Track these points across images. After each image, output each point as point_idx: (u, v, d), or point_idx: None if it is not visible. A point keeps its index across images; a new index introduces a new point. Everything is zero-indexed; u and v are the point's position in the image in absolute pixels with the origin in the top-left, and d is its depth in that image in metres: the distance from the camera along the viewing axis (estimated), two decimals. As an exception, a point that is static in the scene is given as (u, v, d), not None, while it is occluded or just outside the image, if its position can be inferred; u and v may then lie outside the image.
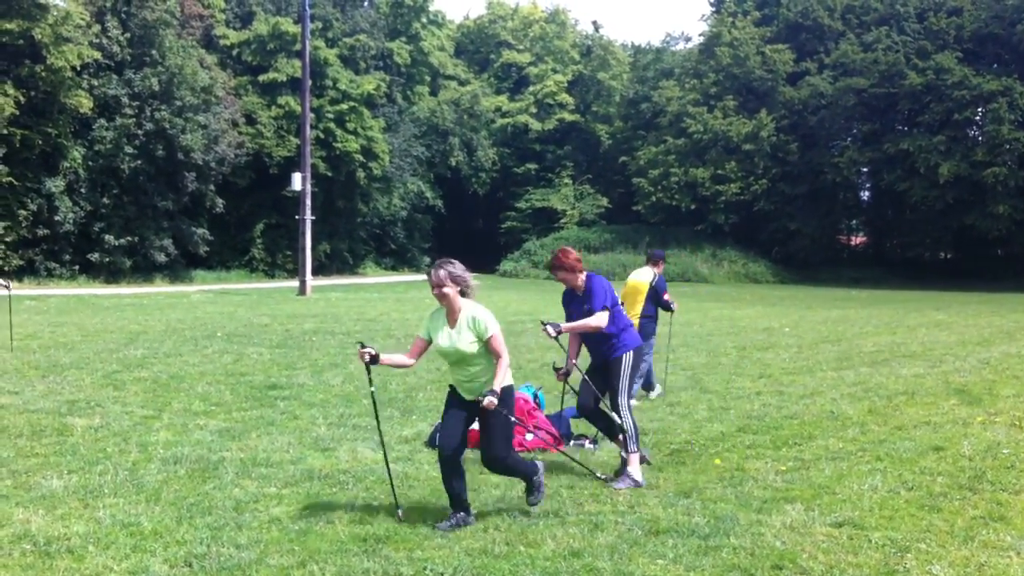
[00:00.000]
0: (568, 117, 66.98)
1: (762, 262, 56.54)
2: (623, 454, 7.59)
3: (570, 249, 7.78)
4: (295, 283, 38.89)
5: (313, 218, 37.58)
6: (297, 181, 36.33)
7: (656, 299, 11.60)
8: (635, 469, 7.44)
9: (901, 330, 22.11)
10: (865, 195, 62.43)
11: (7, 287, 16.24)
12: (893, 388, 12.55)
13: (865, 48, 54.83)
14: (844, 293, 42.11)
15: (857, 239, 65.72)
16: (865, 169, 57.52)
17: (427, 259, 64.31)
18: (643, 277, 11.70)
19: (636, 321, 10.90)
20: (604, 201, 64.48)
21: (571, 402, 9.75)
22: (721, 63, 57.56)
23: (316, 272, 42.72)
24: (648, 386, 11.75)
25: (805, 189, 55.24)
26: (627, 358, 7.69)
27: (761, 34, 58.11)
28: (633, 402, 8.67)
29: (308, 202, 36.20)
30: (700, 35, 62.89)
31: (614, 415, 7.71)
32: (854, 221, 63.96)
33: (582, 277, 7.68)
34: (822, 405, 11.10)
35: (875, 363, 15.45)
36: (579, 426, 9.27)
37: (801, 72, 57.07)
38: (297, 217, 37.46)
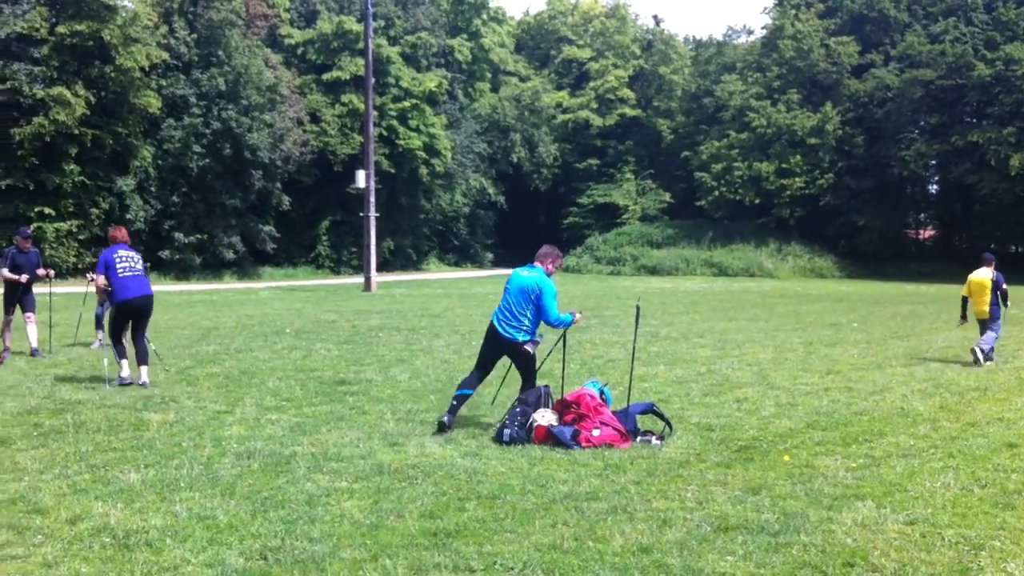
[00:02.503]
0: (629, 112, 66.72)
1: (828, 256, 55.82)
2: None
3: None
4: (360, 279, 39.27)
5: (377, 215, 37.90)
6: (361, 178, 36.67)
7: (997, 289, 15.07)
8: None
9: (971, 326, 21.67)
10: (933, 188, 61.35)
11: (94, 279, 16.45)
12: (964, 384, 12.35)
13: (932, 39, 53.85)
14: (913, 288, 41.43)
15: (925, 233, 64.61)
16: (933, 162, 56.48)
17: (490, 255, 64.50)
18: (984, 275, 15.31)
19: (985, 309, 15.06)
20: (666, 196, 64.13)
21: (637, 398, 9.76)
22: (784, 56, 56.91)
23: (380, 268, 43.09)
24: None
25: (872, 183, 54.40)
26: None
27: (825, 26, 57.34)
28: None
29: (372, 199, 36.51)
30: (763, 28, 62.33)
31: None
32: (922, 215, 62.89)
33: None
34: (892, 401, 10.96)
35: (946, 359, 15.22)
36: (645, 422, 9.26)
37: (866, 64, 56.22)
38: (361, 214, 37.81)
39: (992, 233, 53.58)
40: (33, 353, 14.42)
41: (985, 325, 15.21)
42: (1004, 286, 15.19)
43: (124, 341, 12.01)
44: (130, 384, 11.61)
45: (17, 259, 14.38)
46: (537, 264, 9.32)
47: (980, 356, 14.53)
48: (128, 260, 11.84)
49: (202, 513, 6.38)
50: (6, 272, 14.18)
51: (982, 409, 10.52)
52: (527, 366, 9.32)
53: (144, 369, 11.78)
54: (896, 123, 54.48)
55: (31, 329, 14.70)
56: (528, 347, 9.16)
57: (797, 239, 56.84)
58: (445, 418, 9.07)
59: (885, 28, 57.13)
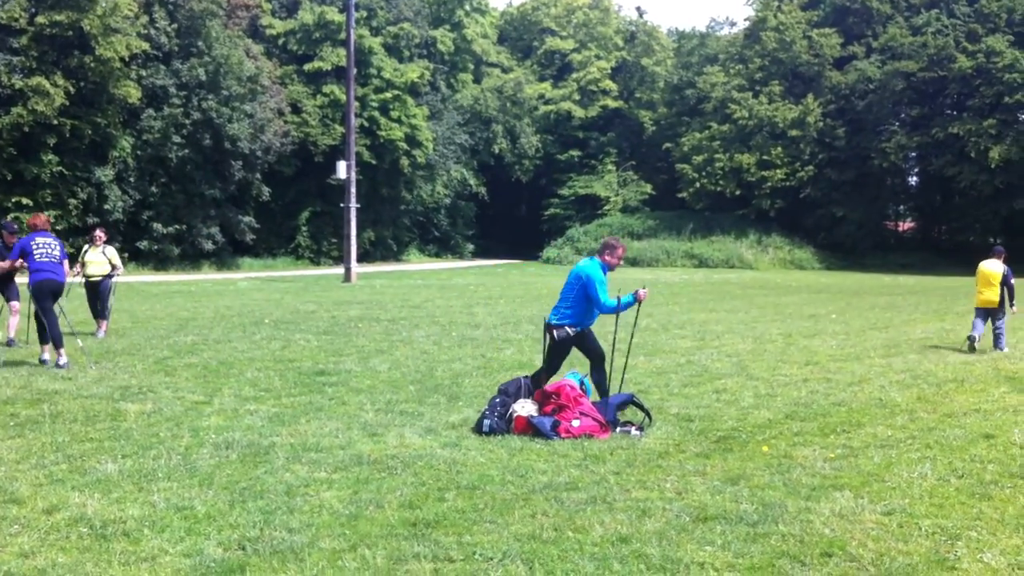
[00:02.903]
0: (611, 104, 66.72)
1: (808, 248, 56.04)
2: None
3: None
4: (340, 270, 39.20)
5: (358, 206, 37.78)
6: (342, 169, 36.55)
7: (1005, 284, 15.39)
8: None
9: (950, 317, 21.87)
10: (913, 180, 61.69)
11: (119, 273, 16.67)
12: (942, 375, 12.43)
13: (914, 31, 54.14)
14: (891, 279, 41.66)
15: (905, 225, 64.98)
16: (913, 154, 56.84)
17: (471, 246, 64.47)
18: (994, 267, 15.50)
19: (995, 299, 15.40)
20: (648, 188, 64.19)
21: (615, 389, 9.78)
22: (767, 48, 57.06)
23: (361, 259, 42.96)
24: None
25: (852, 175, 54.66)
26: None
27: (807, 18, 57.52)
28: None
29: (353, 190, 36.40)
30: (745, 20, 62.44)
31: None
32: (902, 207, 63.26)
33: None
34: (870, 392, 11.02)
35: (924, 350, 15.31)
36: (625, 413, 9.29)
37: (848, 56, 56.45)
38: (342, 205, 37.73)
39: (972, 225, 53.94)
40: (9, 343, 14.35)
41: (988, 314, 15.64)
42: (1012, 281, 15.53)
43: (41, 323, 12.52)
44: (51, 364, 12.38)
45: (2, 253, 14.39)
46: (596, 256, 9.46)
47: (975, 343, 15.11)
48: (45, 247, 12.51)
49: (180, 503, 6.35)
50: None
51: (959, 400, 10.59)
52: (568, 350, 9.60)
53: (61, 351, 12.38)
54: (877, 115, 54.71)
55: (15, 320, 14.66)
56: (563, 331, 9.34)
57: (777, 230, 57.04)
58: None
59: (867, 20, 57.36)
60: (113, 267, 16.35)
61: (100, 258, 16.28)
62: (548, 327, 9.47)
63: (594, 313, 9.41)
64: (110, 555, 5.39)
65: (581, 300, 9.28)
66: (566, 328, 9.32)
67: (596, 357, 9.44)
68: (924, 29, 53.45)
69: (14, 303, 14.72)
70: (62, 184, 37.54)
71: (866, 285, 36.92)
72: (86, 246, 16.60)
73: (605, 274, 9.31)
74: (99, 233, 16.61)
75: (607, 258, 9.38)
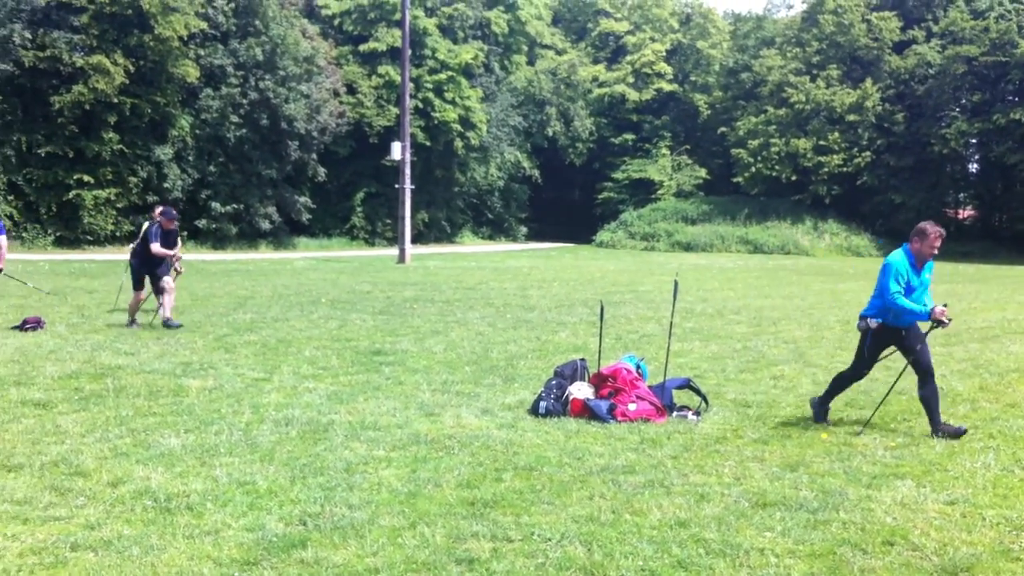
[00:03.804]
0: (666, 87, 66.12)
1: (865, 235, 55.24)
2: None
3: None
4: (394, 251, 39.39)
5: (412, 187, 37.93)
6: (396, 150, 36.69)
7: None
8: None
9: (1012, 306, 21.49)
10: (973, 167, 60.43)
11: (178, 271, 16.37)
12: (1004, 365, 12.23)
13: (975, 15, 52.97)
14: (951, 267, 40.98)
15: (964, 212, 63.74)
16: (974, 140, 55.65)
17: (524, 229, 64.45)
18: None
19: None
20: (702, 172, 63.64)
21: (674, 373, 9.74)
22: (824, 31, 56.19)
23: (414, 240, 43.15)
24: None
25: (911, 161, 53.70)
26: None
27: (867, 1, 56.53)
28: None
29: (407, 171, 36.53)
30: (803, 2, 61.35)
31: None
32: (961, 194, 61.98)
33: None
34: (931, 381, 10.85)
35: (985, 339, 15.04)
36: (681, 397, 9.25)
37: (908, 41, 55.40)
38: (396, 186, 37.88)
39: (1033, 213, 52.87)
40: (167, 323, 14.17)
41: None
42: None
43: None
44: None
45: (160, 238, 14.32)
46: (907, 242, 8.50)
47: None
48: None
49: (242, 478, 6.45)
50: (157, 246, 14.16)
51: (1022, 391, 10.42)
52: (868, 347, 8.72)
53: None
54: (937, 100, 53.66)
55: (170, 297, 14.51)
56: (864, 322, 8.60)
57: (834, 216, 56.25)
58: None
59: (928, 3, 56.26)
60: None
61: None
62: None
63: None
64: (174, 528, 5.49)
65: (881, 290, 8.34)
66: (867, 320, 8.54)
67: (919, 368, 8.42)
68: (986, 13, 52.30)
69: (166, 279, 14.39)
70: (122, 162, 38.08)
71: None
72: (146, 224, 16.69)
73: (913, 263, 8.32)
74: (159, 210, 16.70)
75: (916, 245, 8.33)
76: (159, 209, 14.98)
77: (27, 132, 36.35)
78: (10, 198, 36.03)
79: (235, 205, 42.27)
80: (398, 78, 43.38)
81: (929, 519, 5.88)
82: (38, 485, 6.25)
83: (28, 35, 35.11)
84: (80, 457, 6.89)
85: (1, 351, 11.52)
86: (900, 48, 55.62)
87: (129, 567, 4.93)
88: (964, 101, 54.69)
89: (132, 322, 14.31)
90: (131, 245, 15.05)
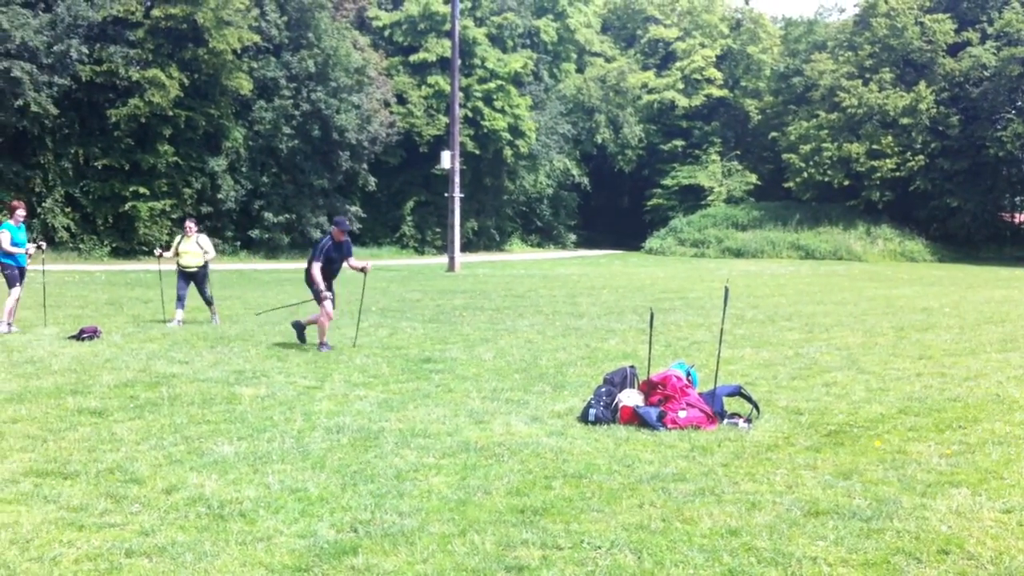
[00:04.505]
0: (716, 93, 65.71)
1: (919, 240, 54.45)
2: None
3: None
4: (444, 259, 39.55)
5: (462, 195, 38.06)
6: (446, 159, 36.86)
7: None
8: None
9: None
10: (1031, 171, 59.41)
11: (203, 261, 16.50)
12: (1064, 372, 11.99)
13: (1032, 17, 52.11)
14: (1008, 272, 40.29)
15: (1021, 216, 62.67)
16: (1031, 144, 54.70)
17: (573, 237, 64.37)
18: None
19: None
20: (753, 178, 63.14)
21: (724, 380, 9.67)
22: (877, 34, 55.55)
23: (464, 249, 43.25)
24: None
25: (966, 165, 52.86)
26: None
27: (920, 3, 55.75)
28: None
29: (457, 180, 36.69)
30: (855, 5, 60.69)
31: None
32: (1018, 198, 60.93)
33: None
34: (987, 388, 10.69)
35: (1044, 346, 14.77)
36: (732, 404, 9.18)
37: (962, 43, 54.56)
38: (446, 195, 38.06)
39: (1092, 218, 51.85)
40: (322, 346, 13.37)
41: None
42: None
43: None
44: None
45: (331, 252, 13.59)
46: None
47: None
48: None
49: (294, 485, 6.52)
50: (316, 270, 13.31)
51: (1083, 397, 10.22)
52: None
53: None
54: (993, 103, 52.79)
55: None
56: None
57: (887, 221, 55.50)
58: None
59: (982, 5, 55.37)
60: (205, 252, 16.55)
61: (194, 248, 16.30)
62: None
63: None
64: (227, 534, 5.55)
65: None
66: None
67: None
68: (1044, 14, 51.47)
69: (327, 303, 13.42)
70: (177, 174, 38.69)
71: (981, 278, 35.77)
72: (179, 237, 16.85)
73: None
74: (190, 224, 16.69)
75: None
76: (335, 219, 14.07)
77: (84, 145, 37.07)
78: (67, 210, 36.74)
79: (287, 215, 42.75)
80: (448, 88, 43.62)
81: (985, 528, 5.78)
82: (94, 492, 6.35)
83: (85, 50, 35.78)
84: (135, 464, 7.00)
85: (59, 360, 11.74)
86: (954, 50, 54.79)
87: (183, 573, 5.00)
88: (1020, 103, 53.73)
89: (323, 344, 13.39)
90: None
